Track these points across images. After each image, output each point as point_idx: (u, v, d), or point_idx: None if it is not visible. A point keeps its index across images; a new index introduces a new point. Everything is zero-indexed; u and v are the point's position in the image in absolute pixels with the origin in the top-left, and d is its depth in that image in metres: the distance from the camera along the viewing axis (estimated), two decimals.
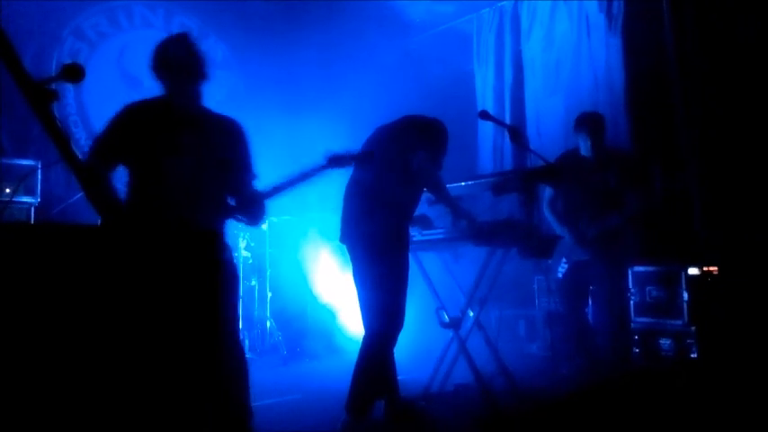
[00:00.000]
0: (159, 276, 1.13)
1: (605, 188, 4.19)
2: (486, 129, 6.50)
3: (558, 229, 4.34)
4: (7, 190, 4.57)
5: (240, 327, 5.46)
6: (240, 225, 5.34)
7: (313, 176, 2.69)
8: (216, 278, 1.19)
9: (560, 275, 4.36)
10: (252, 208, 2.65)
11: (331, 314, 5.98)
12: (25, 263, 1.06)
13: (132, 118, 2.52)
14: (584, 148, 4.29)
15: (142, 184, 2.51)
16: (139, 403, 1.14)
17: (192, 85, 2.58)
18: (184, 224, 2.40)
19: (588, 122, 4.28)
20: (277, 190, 2.64)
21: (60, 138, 1.17)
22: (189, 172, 2.49)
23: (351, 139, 3.65)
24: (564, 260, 4.32)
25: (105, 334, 1.11)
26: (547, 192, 4.43)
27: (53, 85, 1.25)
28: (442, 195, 3.35)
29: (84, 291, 1.09)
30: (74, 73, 1.44)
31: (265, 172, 2.82)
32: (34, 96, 1.16)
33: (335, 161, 2.76)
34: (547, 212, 4.44)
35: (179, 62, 2.55)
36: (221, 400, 2.43)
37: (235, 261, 2.72)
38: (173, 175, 2.46)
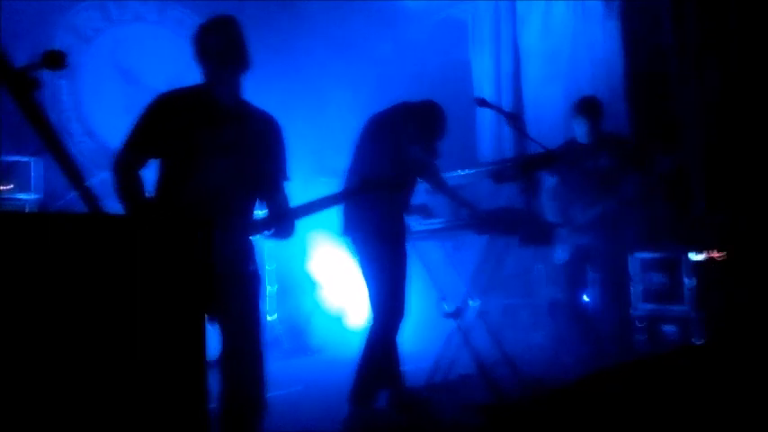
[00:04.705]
0: (145, 267, 1.10)
1: (600, 171, 4.19)
2: (485, 117, 6.45)
3: (556, 217, 4.33)
4: (4, 187, 4.54)
5: None
6: None
7: (347, 199, 2.60)
8: (208, 269, 1.16)
9: (560, 262, 4.35)
10: (281, 223, 2.50)
11: (333, 307, 5.96)
12: None
13: (169, 108, 2.39)
14: (581, 133, 4.27)
15: (174, 180, 2.38)
16: (121, 396, 1.11)
17: (231, 75, 2.44)
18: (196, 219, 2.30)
19: (585, 107, 4.26)
20: (309, 209, 2.48)
21: (44, 127, 1.13)
22: (222, 171, 2.37)
23: (345, 129, 3.62)
24: (564, 248, 4.30)
25: (77, 322, 1.07)
26: (548, 181, 4.41)
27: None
28: (439, 185, 3.33)
29: (62, 280, 1.06)
30: (56, 60, 1.39)
31: None
32: (15, 85, 1.12)
33: (371, 186, 2.67)
34: (547, 202, 4.41)
35: (219, 50, 2.40)
36: (233, 396, 2.41)
37: (255, 257, 2.57)
38: (205, 172, 2.34)
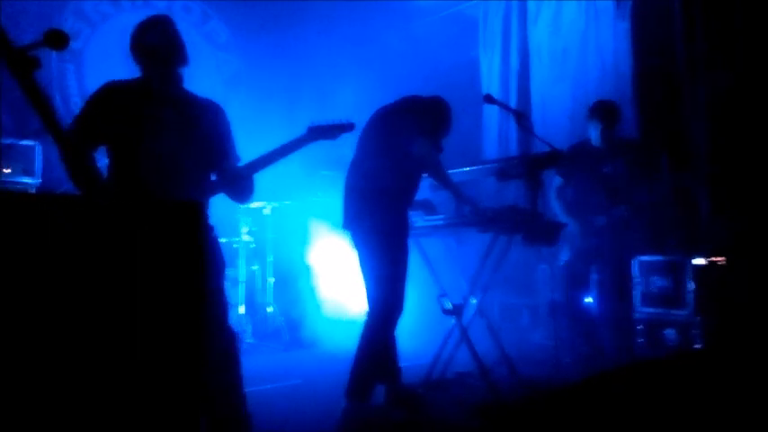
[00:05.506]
0: (140, 249, 1.08)
1: (614, 177, 4.18)
2: (492, 114, 6.43)
3: (563, 217, 4.31)
4: (6, 170, 4.52)
5: (243, 311, 5.47)
6: (241, 209, 5.37)
7: (296, 149, 2.63)
8: (200, 250, 1.14)
9: (562, 263, 4.34)
10: (236, 183, 2.59)
11: (333, 299, 5.94)
12: None
13: (112, 96, 2.47)
14: (596, 137, 4.28)
15: (123, 162, 2.45)
16: (116, 382, 1.10)
17: (170, 70, 2.51)
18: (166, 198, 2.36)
19: (601, 111, 4.27)
20: (259, 164, 2.57)
21: (43, 107, 1.12)
22: (170, 149, 2.43)
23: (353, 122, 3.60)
24: (567, 248, 4.29)
25: (77, 311, 1.06)
26: (556, 180, 4.41)
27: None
28: (443, 180, 3.31)
29: (57, 264, 1.05)
30: (58, 39, 1.38)
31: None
32: (16, 64, 1.11)
33: (317, 132, 2.70)
34: (554, 201, 4.41)
35: (154, 48, 2.48)
36: (211, 384, 2.41)
37: (219, 242, 2.66)
38: (154, 152, 2.41)
